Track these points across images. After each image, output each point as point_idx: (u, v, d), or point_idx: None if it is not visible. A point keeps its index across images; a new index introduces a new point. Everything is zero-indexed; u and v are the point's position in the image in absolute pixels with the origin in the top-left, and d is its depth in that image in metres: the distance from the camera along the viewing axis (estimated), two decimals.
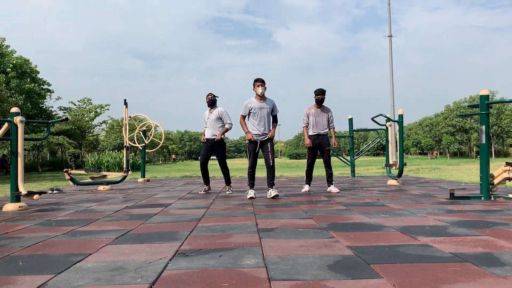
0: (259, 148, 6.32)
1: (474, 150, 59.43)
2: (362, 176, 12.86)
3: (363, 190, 7.52)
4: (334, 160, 30.25)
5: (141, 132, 12.08)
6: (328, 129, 7.20)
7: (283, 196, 6.62)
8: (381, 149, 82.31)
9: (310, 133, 7.20)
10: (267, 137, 6.29)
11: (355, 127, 12.69)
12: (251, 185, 6.42)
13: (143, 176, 12.33)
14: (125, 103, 9.26)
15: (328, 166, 7.28)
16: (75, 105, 40.68)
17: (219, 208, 5.20)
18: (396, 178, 8.88)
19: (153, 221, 4.24)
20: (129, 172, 9.26)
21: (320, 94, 7.14)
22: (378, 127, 11.01)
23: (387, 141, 9.94)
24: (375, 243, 3.03)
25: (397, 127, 8.97)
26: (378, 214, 4.41)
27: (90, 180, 9.25)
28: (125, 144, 9.26)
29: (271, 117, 6.38)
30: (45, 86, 29.47)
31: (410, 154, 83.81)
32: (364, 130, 13.76)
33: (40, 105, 28.50)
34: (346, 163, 12.81)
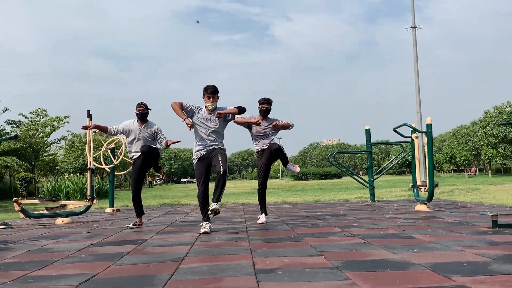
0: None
1: None
2: (384, 200, 12.87)
3: (385, 218, 7.52)
4: (349, 181, 30.29)
5: (108, 151, 12.07)
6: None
7: (286, 227, 6.61)
8: (407, 166, 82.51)
9: (258, 148, 7.35)
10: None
11: (373, 140, 12.77)
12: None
13: (111, 205, 12.28)
14: (89, 115, 9.26)
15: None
16: (26, 117, 40.70)
17: (207, 244, 5.18)
18: (425, 202, 8.90)
19: (124, 262, 4.22)
20: (94, 201, 9.23)
21: (265, 104, 7.29)
22: (402, 139, 11.06)
23: (413, 156, 9.98)
24: (401, 285, 3.03)
25: (425, 139, 9.01)
26: (404, 249, 4.41)
27: (45, 212, 9.20)
28: (89, 165, 9.24)
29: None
30: None
31: (443, 171, 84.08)
32: (385, 144, 13.85)
33: None
34: (363, 184, 12.82)
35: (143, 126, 7.30)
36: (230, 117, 6.64)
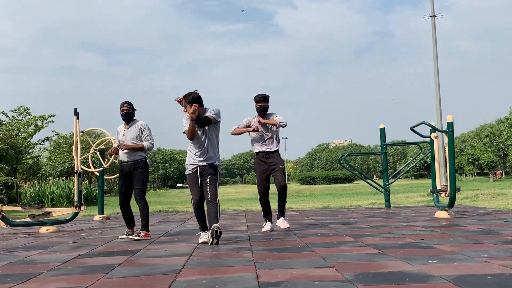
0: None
1: None
2: (401, 206, 12.86)
3: (401, 226, 7.52)
4: (362, 185, 30.28)
5: (97, 152, 12.09)
6: (277, 144, 7.42)
7: (293, 237, 6.61)
8: (426, 169, 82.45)
9: (257, 150, 7.42)
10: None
11: (389, 140, 12.76)
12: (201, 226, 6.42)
13: (101, 212, 12.31)
14: (76, 114, 9.30)
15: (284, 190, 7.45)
16: (7, 116, 40.74)
17: (206, 255, 5.19)
18: (446, 208, 8.89)
19: (115, 275, 4.23)
20: (82, 208, 9.24)
21: (262, 102, 7.31)
22: (420, 139, 11.05)
23: (432, 158, 9.97)
24: None
25: (446, 139, 9.01)
26: (423, 260, 4.40)
27: (29, 220, 9.22)
28: (76, 169, 9.26)
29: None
30: None
31: (465, 175, 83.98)
32: (402, 144, 13.85)
33: None
34: (378, 189, 12.82)
35: (127, 127, 7.19)
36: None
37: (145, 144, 7.08)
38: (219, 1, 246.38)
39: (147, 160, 7.17)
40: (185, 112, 6.15)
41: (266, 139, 7.33)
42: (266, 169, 7.36)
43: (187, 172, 6.44)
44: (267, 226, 7.38)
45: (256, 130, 7.14)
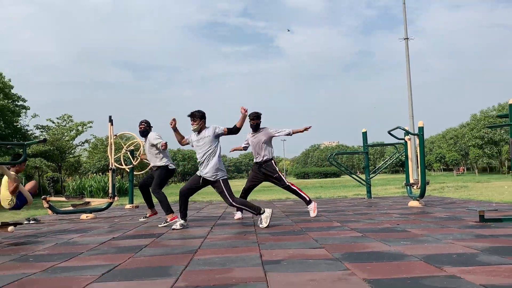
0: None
1: (506, 164, 59.29)
2: (380, 197, 12.83)
3: (381, 213, 7.50)
4: (348, 179, 30.20)
5: (128, 152, 12.11)
6: (269, 155, 7.13)
7: (290, 222, 6.61)
8: (400, 166, 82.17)
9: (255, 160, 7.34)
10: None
11: (369, 142, 12.71)
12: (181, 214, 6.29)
13: (131, 202, 12.32)
14: (110, 120, 9.32)
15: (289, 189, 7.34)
16: (54, 123, 40.86)
17: (218, 238, 5.19)
18: (418, 198, 8.86)
19: (143, 254, 4.24)
20: (116, 198, 9.26)
21: (254, 119, 7.14)
22: (396, 141, 11.02)
23: (406, 157, 9.95)
24: (396, 275, 3.02)
25: (417, 141, 8.98)
26: (399, 241, 4.40)
27: (71, 208, 9.25)
28: (110, 166, 9.28)
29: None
30: (20, 103, 29.71)
31: (434, 170, 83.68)
32: (381, 145, 13.82)
33: (15, 124, 28.66)
34: (361, 182, 12.78)
35: (146, 140, 7.24)
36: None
37: (160, 146, 6.99)
38: (228, 27, 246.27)
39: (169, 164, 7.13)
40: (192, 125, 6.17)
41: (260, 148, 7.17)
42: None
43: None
44: (238, 214, 7.36)
45: (244, 149, 7.50)
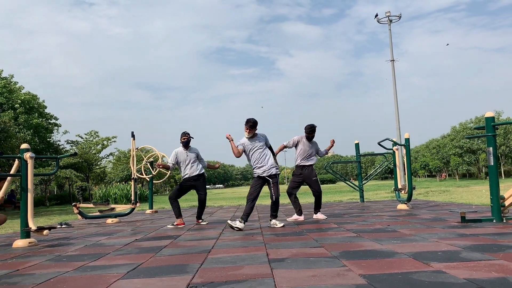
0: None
1: (483, 171, 58.90)
2: (371, 201, 12.76)
3: (373, 215, 7.46)
4: (342, 185, 30.03)
5: (148, 164, 12.15)
6: (314, 159, 7.30)
7: (293, 224, 6.58)
8: (389, 173, 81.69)
9: (298, 163, 7.30)
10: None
11: (361, 152, 12.68)
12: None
13: (151, 207, 12.32)
14: (133, 135, 9.38)
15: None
16: (82, 138, 41.14)
17: (229, 239, 5.18)
18: (405, 202, 8.82)
19: (163, 254, 4.23)
20: (138, 204, 9.27)
21: (311, 133, 7.20)
22: (385, 151, 11.00)
23: (394, 165, 9.91)
24: (388, 270, 3.01)
25: (404, 151, 8.96)
26: (390, 240, 4.37)
27: (98, 214, 9.26)
28: (132, 176, 9.31)
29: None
30: (53, 121, 29.90)
31: (419, 176, 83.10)
32: (371, 155, 13.78)
33: (48, 139, 28.84)
34: (354, 188, 12.73)
35: (188, 150, 7.21)
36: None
37: (203, 163, 7.44)
38: (235, 52, 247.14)
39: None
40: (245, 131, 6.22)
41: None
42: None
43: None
44: (301, 217, 7.14)
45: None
